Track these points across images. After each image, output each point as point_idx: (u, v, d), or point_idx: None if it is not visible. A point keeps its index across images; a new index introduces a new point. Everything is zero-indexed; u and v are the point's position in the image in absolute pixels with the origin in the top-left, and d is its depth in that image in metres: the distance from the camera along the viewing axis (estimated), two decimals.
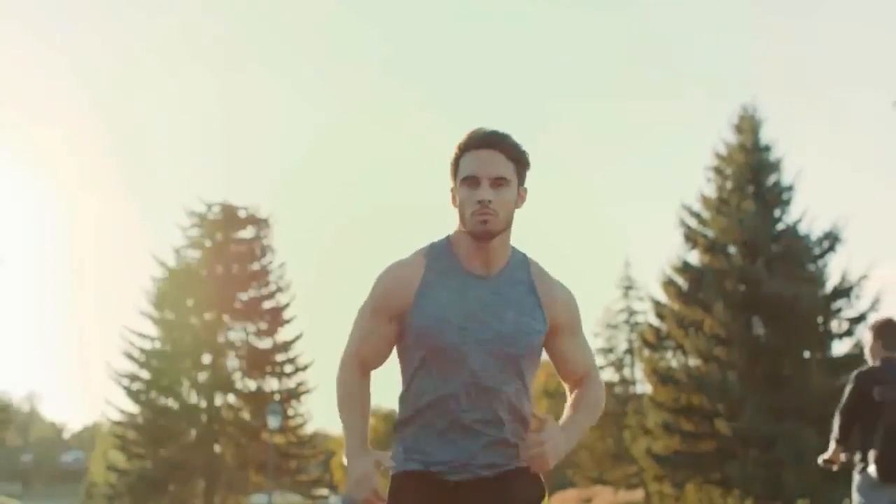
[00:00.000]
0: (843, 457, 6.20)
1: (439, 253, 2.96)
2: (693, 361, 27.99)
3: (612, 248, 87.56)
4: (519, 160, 2.93)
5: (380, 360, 3.02)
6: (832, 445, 6.24)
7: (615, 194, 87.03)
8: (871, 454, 6.00)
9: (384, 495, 2.88)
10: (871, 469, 5.99)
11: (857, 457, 6.13)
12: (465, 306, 2.88)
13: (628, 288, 44.45)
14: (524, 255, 3.02)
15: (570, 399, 3.10)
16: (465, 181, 2.89)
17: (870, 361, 6.31)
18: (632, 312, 44.05)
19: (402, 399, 2.99)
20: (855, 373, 6.28)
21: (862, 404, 6.08)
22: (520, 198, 2.96)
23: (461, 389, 2.86)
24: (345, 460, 2.90)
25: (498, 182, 2.87)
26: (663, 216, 79.02)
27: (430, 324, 2.87)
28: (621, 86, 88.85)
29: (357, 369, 3.00)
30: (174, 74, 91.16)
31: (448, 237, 2.99)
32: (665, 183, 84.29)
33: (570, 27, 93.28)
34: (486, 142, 2.90)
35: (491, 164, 2.88)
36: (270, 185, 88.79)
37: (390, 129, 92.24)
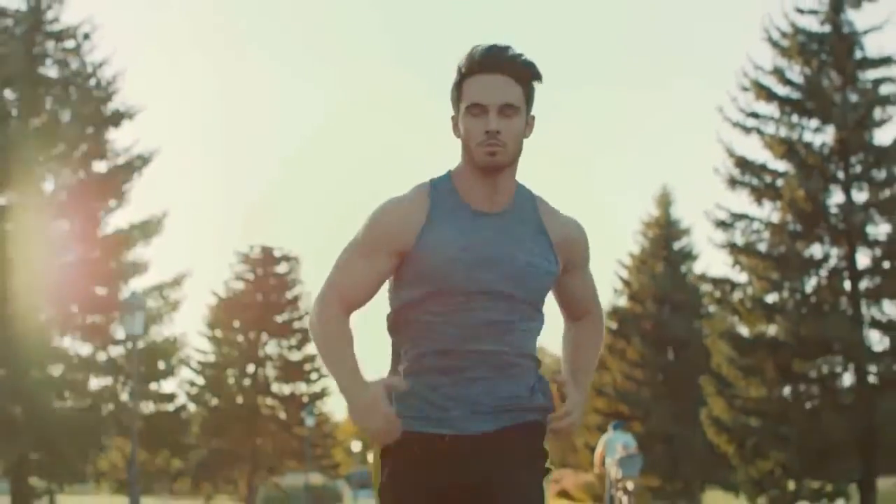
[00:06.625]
0: None
1: (443, 190, 2.67)
2: (619, 379, 37.72)
3: (609, 238, 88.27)
4: (528, 82, 2.63)
5: (364, 298, 2.70)
6: None
7: (610, 182, 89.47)
8: None
9: (398, 423, 2.58)
10: None
11: None
12: (474, 247, 2.61)
13: None
14: (530, 191, 2.76)
15: (571, 332, 2.91)
16: (470, 109, 2.59)
17: None
18: None
19: (398, 347, 2.74)
20: None
21: None
22: (528, 126, 2.65)
23: (466, 332, 2.61)
24: (343, 397, 2.59)
25: (506, 110, 2.58)
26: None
27: (436, 264, 2.60)
28: (620, 75, 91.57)
29: (338, 304, 2.66)
30: (174, 64, 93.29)
31: (449, 172, 2.71)
32: (658, 171, 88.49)
33: (572, 16, 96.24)
34: (493, 65, 2.59)
35: (499, 91, 2.57)
36: (273, 182, 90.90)
37: (396, 121, 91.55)
